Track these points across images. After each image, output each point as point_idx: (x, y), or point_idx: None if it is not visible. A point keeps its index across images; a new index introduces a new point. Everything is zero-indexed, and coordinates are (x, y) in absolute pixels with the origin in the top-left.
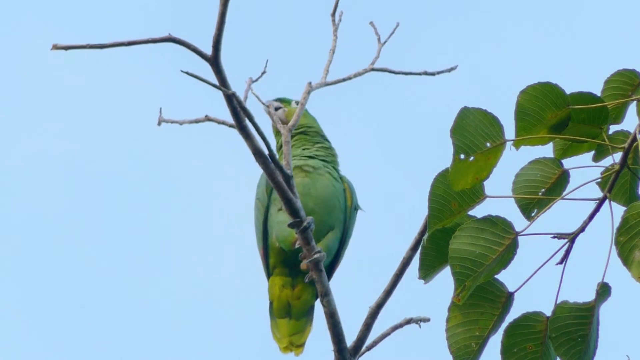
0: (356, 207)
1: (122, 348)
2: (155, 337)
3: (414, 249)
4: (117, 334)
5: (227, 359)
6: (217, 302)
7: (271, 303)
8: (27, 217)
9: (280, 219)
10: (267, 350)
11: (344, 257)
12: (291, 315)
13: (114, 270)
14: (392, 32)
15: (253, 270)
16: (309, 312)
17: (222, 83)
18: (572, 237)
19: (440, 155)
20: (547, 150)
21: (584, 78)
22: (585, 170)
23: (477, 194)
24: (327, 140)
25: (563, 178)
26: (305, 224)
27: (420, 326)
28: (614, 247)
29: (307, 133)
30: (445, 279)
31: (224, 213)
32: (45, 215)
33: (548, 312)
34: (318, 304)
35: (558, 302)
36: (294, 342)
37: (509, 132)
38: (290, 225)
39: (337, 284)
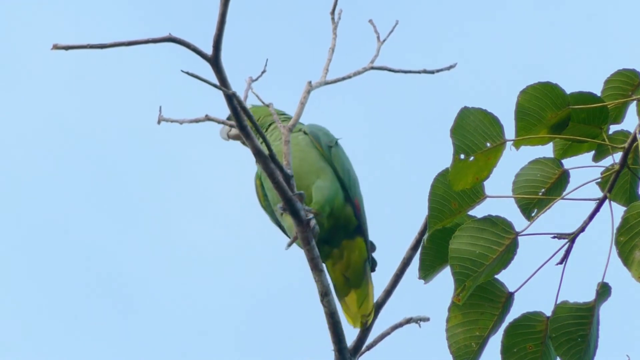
0: (330, 144)
1: (111, 326)
2: (145, 318)
3: (414, 249)
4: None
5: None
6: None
7: (334, 286)
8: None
9: (288, 223)
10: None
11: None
12: (351, 284)
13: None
14: (392, 31)
15: (250, 253)
16: (365, 271)
17: (223, 83)
18: (572, 237)
19: (440, 155)
20: (547, 150)
21: (584, 78)
22: (585, 170)
23: (477, 194)
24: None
25: (563, 178)
26: (312, 226)
27: (420, 326)
28: (614, 247)
29: (262, 125)
30: (445, 279)
31: (223, 210)
32: (47, 212)
33: (548, 312)
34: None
35: (558, 302)
36: (364, 312)
37: (509, 132)
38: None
39: None
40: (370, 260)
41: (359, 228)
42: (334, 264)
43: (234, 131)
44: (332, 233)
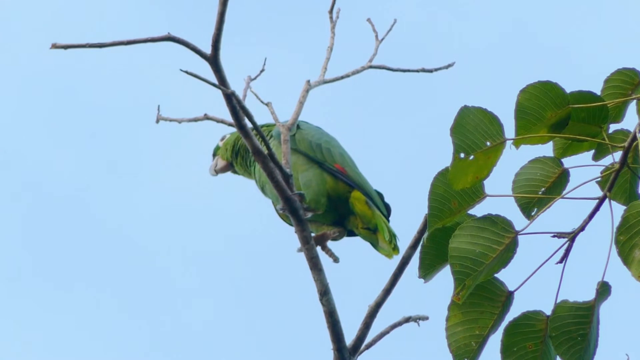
0: (291, 134)
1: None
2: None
3: (413, 248)
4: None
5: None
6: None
7: (372, 245)
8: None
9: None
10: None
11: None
12: (374, 230)
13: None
14: (390, 29)
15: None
16: (372, 210)
17: (222, 82)
18: (572, 236)
19: (440, 154)
20: (547, 149)
21: (584, 77)
22: (585, 169)
23: (477, 193)
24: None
25: (563, 177)
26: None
27: (419, 324)
28: (614, 246)
29: (239, 152)
30: (444, 278)
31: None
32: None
33: (548, 311)
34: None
35: (558, 301)
36: (390, 238)
37: (509, 131)
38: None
39: (336, 283)
40: (381, 205)
41: (352, 186)
42: (357, 227)
43: (221, 164)
44: (341, 210)
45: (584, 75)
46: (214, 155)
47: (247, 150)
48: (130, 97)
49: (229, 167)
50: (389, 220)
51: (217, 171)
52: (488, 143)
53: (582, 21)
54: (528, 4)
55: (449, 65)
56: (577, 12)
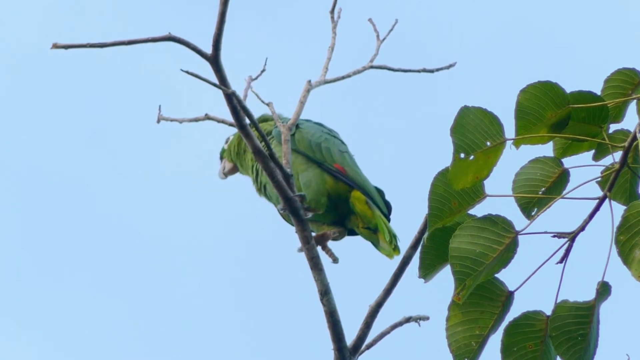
0: (291, 133)
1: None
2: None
3: (413, 248)
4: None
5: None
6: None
7: (373, 244)
8: None
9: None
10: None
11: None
12: (374, 230)
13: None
14: (391, 29)
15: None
16: (372, 210)
17: (222, 82)
18: (572, 236)
19: (440, 154)
20: (547, 149)
21: (584, 77)
22: (585, 169)
23: (477, 193)
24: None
25: (563, 177)
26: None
27: (419, 325)
28: (614, 246)
29: (239, 152)
30: (444, 277)
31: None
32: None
33: (548, 311)
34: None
35: (558, 301)
36: (390, 239)
37: (509, 131)
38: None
39: (337, 283)
40: (381, 204)
41: (352, 186)
42: (357, 226)
43: (228, 167)
44: (342, 209)
45: (584, 75)
46: (221, 158)
47: (245, 150)
48: (131, 97)
49: (236, 168)
50: (389, 219)
51: (226, 174)
52: (488, 143)
53: (583, 22)
54: (528, 4)
55: (450, 66)
56: (577, 13)
